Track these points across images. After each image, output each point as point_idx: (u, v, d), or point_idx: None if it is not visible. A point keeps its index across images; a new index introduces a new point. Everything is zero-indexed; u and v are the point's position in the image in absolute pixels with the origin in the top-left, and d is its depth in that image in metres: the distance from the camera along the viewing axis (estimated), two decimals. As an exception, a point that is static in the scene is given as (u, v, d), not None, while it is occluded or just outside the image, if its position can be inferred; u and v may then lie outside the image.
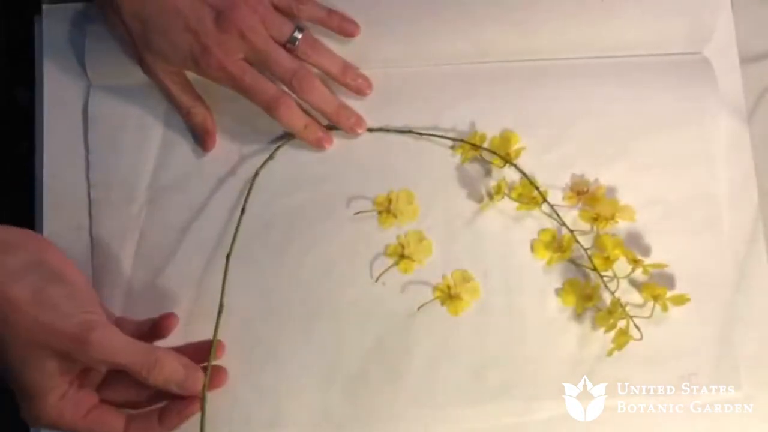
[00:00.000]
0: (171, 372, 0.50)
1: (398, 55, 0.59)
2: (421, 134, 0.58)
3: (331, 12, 0.58)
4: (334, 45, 0.58)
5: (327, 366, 0.55)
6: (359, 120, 0.58)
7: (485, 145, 0.57)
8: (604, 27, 0.59)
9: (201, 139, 0.58)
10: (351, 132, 0.58)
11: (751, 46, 0.60)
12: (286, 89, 0.56)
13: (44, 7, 0.61)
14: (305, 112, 0.57)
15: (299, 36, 0.56)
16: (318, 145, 0.58)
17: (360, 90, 0.59)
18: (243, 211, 0.57)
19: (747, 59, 0.59)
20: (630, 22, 0.59)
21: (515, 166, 0.57)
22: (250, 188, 0.57)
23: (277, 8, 0.56)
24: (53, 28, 0.61)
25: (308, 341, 0.56)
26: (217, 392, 0.53)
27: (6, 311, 0.47)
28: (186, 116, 0.58)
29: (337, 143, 0.58)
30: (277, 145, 0.58)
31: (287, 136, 0.58)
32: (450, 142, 0.58)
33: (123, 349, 0.48)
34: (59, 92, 0.60)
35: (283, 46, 0.56)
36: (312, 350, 0.56)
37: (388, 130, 0.58)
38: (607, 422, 0.54)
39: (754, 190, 0.58)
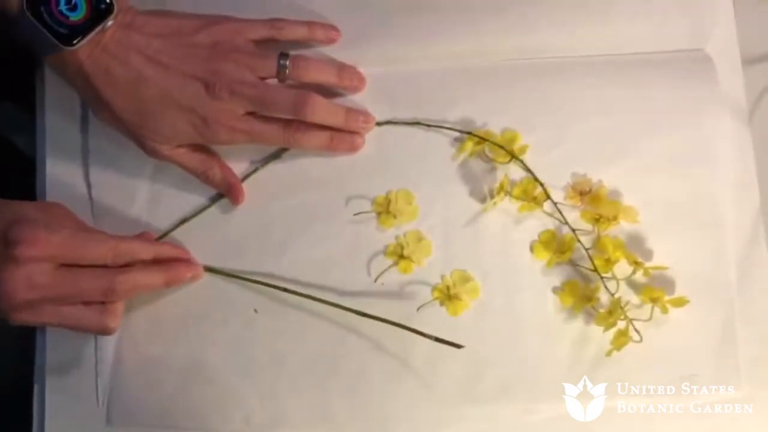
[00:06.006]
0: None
1: (399, 53, 0.59)
2: (429, 126, 0.58)
3: (311, 25, 0.58)
4: (330, 47, 0.58)
5: (327, 366, 0.56)
6: (367, 116, 0.58)
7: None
8: (605, 24, 0.59)
9: (227, 194, 0.58)
10: (363, 130, 0.57)
11: (752, 47, 0.59)
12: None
13: None
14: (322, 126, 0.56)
15: (287, 63, 0.55)
16: (353, 149, 0.57)
17: (357, 88, 0.58)
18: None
19: (748, 59, 0.59)
20: (632, 18, 0.59)
21: (521, 161, 0.56)
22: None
23: (258, 42, 0.56)
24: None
25: (308, 341, 0.56)
26: (217, 392, 0.54)
27: None
28: (205, 180, 0.57)
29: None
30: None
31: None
32: (451, 141, 0.58)
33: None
34: (60, 92, 0.59)
35: (278, 78, 0.55)
36: (312, 350, 0.56)
37: (396, 123, 0.58)
38: (607, 422, 0.54)
39: (755, 190, 0.57)
